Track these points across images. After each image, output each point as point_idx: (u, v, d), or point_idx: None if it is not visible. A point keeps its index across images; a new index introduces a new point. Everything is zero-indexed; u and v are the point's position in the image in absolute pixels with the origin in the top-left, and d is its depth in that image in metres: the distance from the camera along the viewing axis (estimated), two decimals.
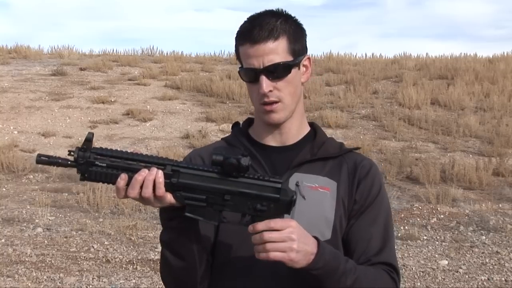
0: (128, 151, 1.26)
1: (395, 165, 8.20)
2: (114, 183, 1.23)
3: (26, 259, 5.56)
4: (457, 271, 5.43)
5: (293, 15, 1.46)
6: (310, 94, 11.61)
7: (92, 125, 10.60)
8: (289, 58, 1.41)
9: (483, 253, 5.86)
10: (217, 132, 9.99)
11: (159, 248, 1.43)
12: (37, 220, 6.59)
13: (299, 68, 1.44)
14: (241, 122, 1.59)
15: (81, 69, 13.96)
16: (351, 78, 12.77)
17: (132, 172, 1.23)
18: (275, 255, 1.22)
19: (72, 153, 1.23)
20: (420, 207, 7.06)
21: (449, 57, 15.38)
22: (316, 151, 1.48)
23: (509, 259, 5.71)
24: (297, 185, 1.32)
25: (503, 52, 14.95)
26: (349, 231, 1.44)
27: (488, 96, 11.27)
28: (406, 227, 6.50)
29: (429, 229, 6.49)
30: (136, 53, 16.69)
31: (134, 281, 5.20)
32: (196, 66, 14.61)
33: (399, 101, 11.18)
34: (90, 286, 5.07)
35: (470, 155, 8.84)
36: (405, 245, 6.03)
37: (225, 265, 1.43)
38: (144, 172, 1.23)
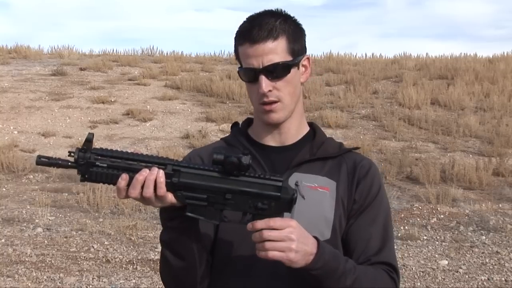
0: (128, 151, 1.26)
1: (395, 165, 8.20)
2: (115, 183, 1.23)
3: (26, 259, 5.56)
4: (457, 271, 5.43)
5: (292, 15, 1.47)
6: (310, 94, 11.61)
7: (92, 125, 10.60)
8: (288, 58, 1.41)
9: (483, 253, 5.86)
10: (217, 132, 9.99)
11: (159, 248, 1.43)
12: (37, 220, 6.59)
13: (298, 68, 1.45)
14: (240, 122, 1.59)
15: (81, 69, 13.97)
16: (351, 78, 12.77)
17: (133, 172, 1.23)
18: (273, 254, 1.22)
19: (72, 154, 1.23)
20: (420, 207, 7.06)
21: (449, 57, 15.39)
22: (316, 151, 1.48)
23: (509, 259, 5.71)
24: (296, 185, 1.33)
25: (503, 52, 14.98)
26: (348, 230, 1.44)
27: (488, 96, 11.27)
28: (406, 227, 6.50)
29: (429, 229, 6.50)
30: (136, 53, 16.70)
31: (134, 281, 5.20)
32: (196, 66, 14.61)
33: (399, 101, 11.18)
34: (90, 286, 5.07)
35: (470, 155, 8.84)
36: (405, 245, 6.03)
37: (225, 265, 1.43)
38: (145, 172, 1.23)
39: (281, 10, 1.45)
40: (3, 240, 6.01)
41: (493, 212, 6.90)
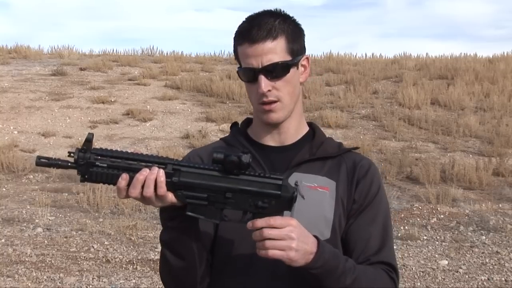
0: (128, 151, 1.26)
1: (395, 165, 8.20)
2: (115, 183, 1.23)
3: (26, 259, 5.56)
4: (457, 271, 5.43)
5: (291, 15, 1.47)
6: (310, 94, 11.61)
7: (92, 125, 10.60)
8: (288, 58, 1.41)
9: (483, 253, 5.86)
10: (217, 132, 9.99)
11: (159, 248, 1.43)
12: (37, 220, 6.59)
13: (297, 68, 1.45)
14: (240, 123, 1.59)
15: (81, 69, 13.97)
16: (351, 78, 12.77)
17: (133, 172, 1.23)
18: (273, 253, 1.22)
19: (72, 154, 1.23)
20: (420, 207, 7.06)
21: (449, 57, 15.40)
22: (315, 151, 1.48)
23: (509, 259, 5.71)
24: (296, 184, 1.33)
25: (503, 52, 14.98)
26: (348, 230, 1.44)
27: (488, 96, 11.27)
28: (406, 227, 6.50)
29: (429, 229, 6.50)
30: (136, 53, 16.71)
31: (134, 281, 5.20)
32: (196, 66, 14.61)
33: (399, 101, 11.18)
34: (90, 286, 5.07)
35: (470, 155, 8.84)
36: (405, 245, 6.03)
37: (224, 264, 1.43)
38: (145, 172, 1.23)
39: (280, 10, 1.46)
40: (3, 240, 6.01)
41: (493, 212, 6.90)
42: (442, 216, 6.83)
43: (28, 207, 7.06)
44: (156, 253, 5.66)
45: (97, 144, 1.26)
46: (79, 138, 9.75)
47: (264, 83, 1.39)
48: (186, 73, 13.72)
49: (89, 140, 1.22)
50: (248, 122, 1.57)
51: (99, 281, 5.17)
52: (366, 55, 16.20)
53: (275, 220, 1.23)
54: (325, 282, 1.29)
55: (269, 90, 1.40)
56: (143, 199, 1.24)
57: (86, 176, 1.23)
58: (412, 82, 12.04)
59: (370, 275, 1.37)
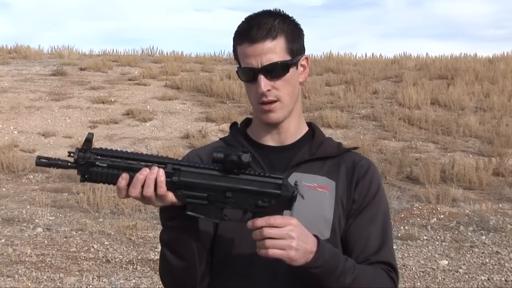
0: (128, 151, 1.26)
1: (395, 165, 8.20)
2: (115, 183, 1.23)
3: (26, 259, 5.56)
4: (457, 271, 5.43)
5: (290, 15, 1.47)
6: (310, 94, 11.61)
7: (92, 125, 10.61)
8: (287, 58, 1.41)
9: (483, 253, 5.86)
10: (217, 132, 9.99)
11: (159, 248, 1.43)
12: (37, 220, 6.59)
13: (297, 68, 1.45)
14: (239, 123, 1.59)
15: (81, 69, 13.97)
16: (351, 78, 12.77)
17: (133, 171, 1.23)
18: (274, 252, 1.22)
19: (72, 154, 1.23)
20: (420, 207, 7.06)
21: (449, 57, 15.40)
22: (315, 150, 1.48)
23: (509, 259, 5.71)
24: (295, 184, 1.33)
25: (503, 52, 14.99)
26: (347, 230, 1.44)
27: (488, 96, 11.27)
28: (406, 227, 6.50)
29: (429, 229, 6.50)
30: (136, 53, 16.71)
31: (134, 281, 5.20)
32: (196, 66, 14.62)
33: (399, 101, 11.19)
34: (90, 286, 5.07)
35: (470, 155, 8.84)
36: (405, 245, 6.03)
37: (224, 264, 1.43)
38: (145, 171, 1.23)
39: (279, 10, 1.46)
40: (3, 240, 6.01)
41: (493, 212, 6.90)
42: (442, 216, 6.83)
43: (28, 207, 7.06)
44: (156, 253, 5.66)
45: (97, 144, 1.26)
46: (79, 138, 9.75)
47: (264, 82, 1.39)
48: (186, 73, 13.73)
49: (89, 140, 1.22)
50: (247, 122, 1.57)
51: (99, 281, 5.17)
52: (366, 55, 16.23)
53: (275, 219, 1.23)
54: (325, 281, 1.29)
55: (268, 90, 1.40)
56: (143, 198, 1.24)
57: (86, 176, 1.23)
58: (412, 82, 12.04)
59: (370, 274, 1.37)
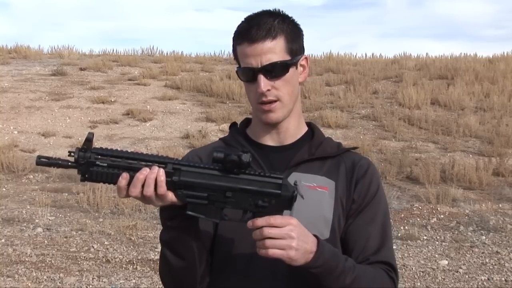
0: (128, 151, 1.26)
1: (395, 165, 8.21)
2: (115, 183, 1.23)
3: (26, 259, 5.56)
4: (457, 271, 5.43)
5: (290, 15, 1.47)
6: (310, 94, 11.61)
7: (92, 125, 10.61)
8: (287, 58, 1.41)
9: (483, 253, 5.86)
10: (217, 132, 10.00)
11: (159, 248, 1.43)
12: (37, 220, 6.59)
13: (296, 68, 1.45)
14: (239, 123, 1.59)
15: (81, 69, 13.97)
16: (351, 78, 12.77)
17: (133, 171, 1.23)
18: (274, 252, 1.22)
19: (72, 153, 1.23)
20: (420, 207, 7.06)
21: (449, 57, 15.40)
22: (314, 150, 1.48)
23: (509, 259, 5.71)
24: (295, 184, 1.33)
25: (503, 52, 14.99)
26: (347, 230, 1.44)
27: (488, 96, 11.27)
28: (406, 227, 6.50)
29: (429, 229, 6.50)
30: (136, 53, 16.71)
31: (134, 281, 5.20)
32: (196, 66, 14.62)
33: (399, 101, 11.19)
34: (90, 286, 5.07)
35: (470, 155, 8.84)
36: (405, 245, 6.03)
37: (224, 264, 1.43)
38: (145, 171, 1.23)
39: (279, 10, 1.46)
40: (3, 240, 6.01)
41: (493, 212, 6.90)
42: (442, 216, 6.83)
43: (28, 207, 7.06)
44: (156, 253, 5.66)
45: (97, 144, 1.26)
46: (79, 138, 9.75)
47: (263, 82, 1.39)
48: (186, 73, 13.73)
49: (89, 140, 1.22)
50: (247, 122, 1.58)
51: (99, 281, 5.17)
52: (366, 55, 16.23)
53: (275, 219, 1.23)
54: (324, 281, 1.29)
55: (268, 90, 1.40)
56: (143, 198, 1.24)
57: (87, 176, 1.23)
58: (412, 82, 12.04)
59: (369, 274, 1.37)
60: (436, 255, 5.80)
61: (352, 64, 14.52)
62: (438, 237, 6.28)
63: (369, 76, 13.01)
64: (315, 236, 1.29)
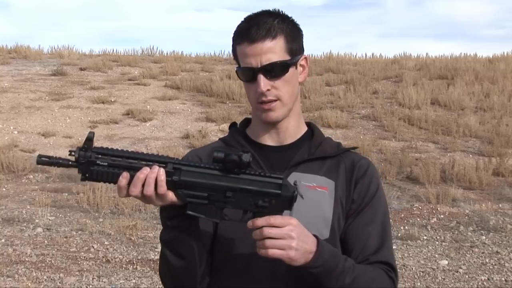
0: (129, 150, 1.26)
1: (395, 165, 8.21)
2: (115, 182, 1.23)
3: (26, 259, 5.56)
4: (457, 271, 5.43)
5: (290, 15, 1.47)
6: (310, 94, 11.61)
7: (92, 125, 10.61)
8: (287, 57, 1.41)
9: (483, 253, 5.86)
10: (217, 132, 10.00)
11: (159, 248, 1.43)
12: (37, 220, 6.59)
13: (296, 68, 1.45)
14: (238, 123, 1.59)
15: (81, 69, 13.97)
16: (351, 78, 12.77)
17: (133, 170, 1.23)
18: (273, 252, 1.22)
19: (73, 153, 1.23)
20: (420, 207, 7.06)
21: (449, 57, 15.40)
22: (314, 150, 1.48)
23: (509, 259, 5.71)
24: (295, 184, 1.33)
25: (503, 52, 14.99)
26: (346, 230, 1.44)
27: (488, 96, 11.28)
28: (406, 227, 6.50)
29: (429, 229, 6.50)
30: (136, 53, 16.71)
31: (134, 281, 5.20)
32: (196, 66, 14.62)
33: (399, 101, 11.19)
34: (90, 286, 5.07)
35: (470, 155, 8.84)
36: (405, 245, 6.03)
37: (224, 264, 1.43)
38: (145, 170, 1.23)
39: (278, 10, 1.46)
40: (3, 240, 6.01)
41: (493, 212, 6.91)
42: (442, 216, 6.83)
43: (28, 207, 7.06)
44: (156, 253, 5.66)
45: (97, 144, 1.26)
46: (79, 138, 9.75)
47: (263, 82, 1.39)
48: (186, 73, 13.73)
49: (90, 139, 1.22)
50: (246, 122, 1.58)
51: (99, 281, 5.17)
52: (366, 55, 16.24)
53: (275, 219, 1.23)
54: (324, 281, 1.29)
55: (268, 90, 1.40)
56: (144, 197, 1.24)
57: (87, 175, 1.23)
58: (412, 82, 12.04)
59: (369, 274, 1.37)
60: (436, 255, 5.80)
61: (352, 64, 14.52)
62: (438, 237, 6.28)
63: (369, 76, 13.01)
64: (315, 236, 1.29)
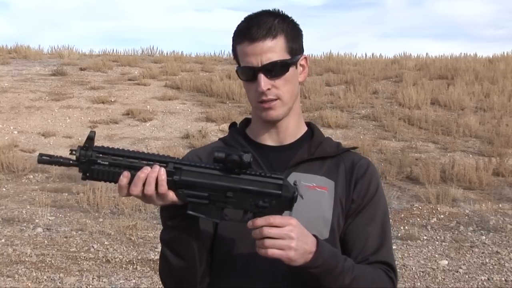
0: (130, 150, 1.26)
1: (395, 165, 8.21)
2: (116, 181, 1.23)
3: (26, 259, 5.56)
4: (457, 271, 5.43)
5: (289, 15, 1.47)
6: (310, 94, 11.61)
7: (92, 125, 10.61)
8: (287, 57, 1.41)
9: (483, 253, 5.86)
10: (217, 132, 10.00)
11: (159, 248, 1.43)
12: (37, 220, 6.59)
13: (296, 67, 1.45)
14: (238, 123, 1.59)
15: (81, 69, 13.97)
16: (351, 78, 12.78)
17: (134, 170, 1.23)
18: (273, 252, 1.22)
19: (74, 152, 1.23)
20: (420, 207, 7.06)
21: (449, 57, 15.40)
22: (314, 150, 1.48)
23: (509, 259, 5.71)
24: (295, 184, 1.33)
25: (503, 52, 14.99)
26: (346, 230, 1.44)
27: (488, 96, 11.28)
28: (406, 227, 6.50)
29: (429, 229, 6.50)
30: (136, 53, 16.71)
31: (134, 281, 5.20)
32: (196, 66, 14.62)
33: (399, 101, 11.19)
34: (90, 286, 5.07)
35: (470, 155, 8.84)
36: (405, 245, 6.03)
37: (224, 264, 1.43)
38: (146, 170, 1.23)
39: (278, 10, 1.46)
40: (3, 240, 6.01)
41: (493, 212, 6.91)
42: (442, 216, 6.83)
43: (28, 207, 7.06)
44: (156, 253, 5.66)
45: (96, 144, 1.26)
46: (79, 138, 9.76)
47: (264, 81, 1.39)
48: (186, 73, 13.73)
49: (91, 138, 1.22)
50: (246, 122, 1.58)
51: (99, 281, 5.17)
52: (366, 55, 16.23)
53: (275, 218, 1.23)
54: (324, 281, 1.29)
55: (268, 89, 1.40)
56: (144, 197, 1.24)
57: (88, 174, 1.23)
58: (412, 82, 12.04)
59: (368, 274, 1.37)
60: (436, 255, 5.80)
61: (352, 64, 14.52)
62: (438, 237, 6.28)
63: (369, 76, 13.01)
64: (315, 236, 1.29)
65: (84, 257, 5.64)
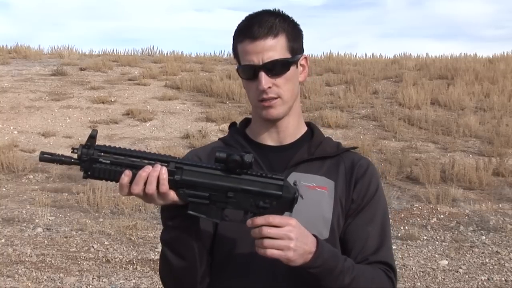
0: (131, 149, 1.26)
1: (395, 165, 8.21)
2: (117, 180, 1.23)
3: (26, 259, 5.56)
4: (457, 271, 5.43)
5: (290, 15, 1.48)
6: (310, 94, 11.61)
7: (92, 125, 10.60)
8: (288, 56, 1.41)
9: (483, 253, 5.86)
10: (217, 132, 10.00)
11: (159, 248, 1.43)
12: (37, 220, 6.59)
13: (297, 67, 1.45)
14: (238, 123, 1.59)
15: (81, 69, 13.97)
16: (351, 78, 12.78)
17: (135, 169, 1.23)
18: (272, 252, 1.22)
19: (75, 150, 1.23)
20: (420, 207, 7.06)
21: (449, 57, 15.40)
22: (314, 150, 1.48)
23: (509, 259, 5.71)
24: (294, 184, 1.33)
25: (503, 52, 14.99)
26: (346, 230, 1.44)
27: (488, 96, 11.28)
28: (406, 227, 6.50)
29: (429, 229, 6.50)
30: (136, 53, 16.71)
31: (134, 281, 5.20)
32: (196, 66, 14.62)
33: (399, 101, 11.19)
34: (90, 286, 5.07)
35: (470, 155, 8.84)
36: (405, 245, 6.03)
37: (224, 264, 1.43)
38: (148, 169, 1.23)
39: (279, 10, 1.47)
40: (3, 240, 6.01)
41: (493, 212, 6.91)
42: (442, 216, 6.83)
43: (28, 207, 7.06)
44: (156, 253, 5.66)
45: (97, 144, 1.26)
46: (79, 138, 9.76)
47: (265, 80, 1.39)
48: (186, 73, 13.73)
49: (93, 137, 1.22)
50: (246, 122, 1.58)
51: (99, 281, 5.17)
52: (366, 55, 16.23)
53: (274, 218, 1.23)
54: (323, 281, 1.29)
55: (269, 87, 1.40)
56: (145, 196, 1.24)
57: (89, 173, 1.23)
58: (412, 82, 12.05)
59: (368, 274, 1.37)
60: (436, 255, 5.80)
61: (352, 64, 14.52)
62: (438, 237, 6.28)
63: (369, 76, 13.02)
64: (315, 236, 1.29)
65: (84, 257, 5.64)
